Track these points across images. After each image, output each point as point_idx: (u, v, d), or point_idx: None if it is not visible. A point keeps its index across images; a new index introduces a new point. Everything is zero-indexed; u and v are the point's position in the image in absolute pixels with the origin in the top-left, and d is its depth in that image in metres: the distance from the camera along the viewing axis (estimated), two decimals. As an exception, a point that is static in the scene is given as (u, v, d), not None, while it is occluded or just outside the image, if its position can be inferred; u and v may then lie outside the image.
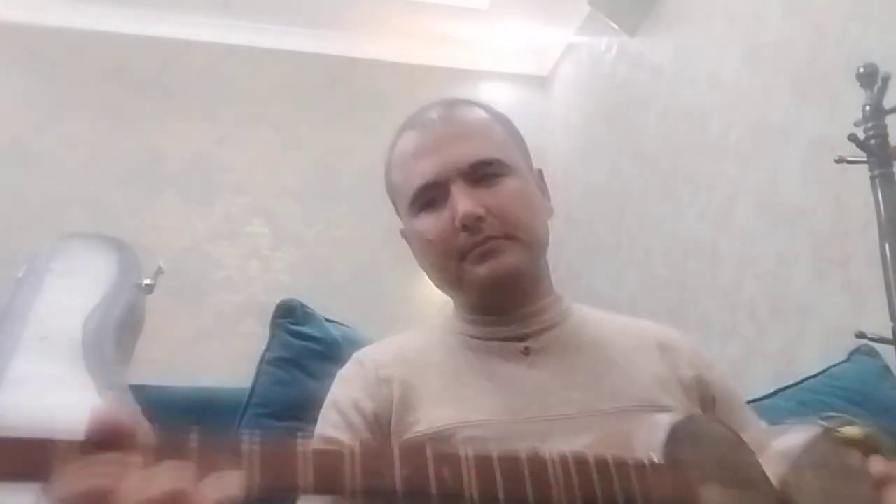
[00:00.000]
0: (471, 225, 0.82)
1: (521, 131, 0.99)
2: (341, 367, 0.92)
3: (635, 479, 0.58)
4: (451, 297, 0.94)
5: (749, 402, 1.25)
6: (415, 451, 0.51)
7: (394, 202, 0.98)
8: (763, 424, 0.93)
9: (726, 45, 2.40)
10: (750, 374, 2.06)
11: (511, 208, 0.85)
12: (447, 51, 3.96)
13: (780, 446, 0.71)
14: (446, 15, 3.70)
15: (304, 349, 1.16)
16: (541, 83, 4.11)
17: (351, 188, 3.77)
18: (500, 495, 0.52)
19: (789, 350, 1.93)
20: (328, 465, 0.48)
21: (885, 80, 1.29)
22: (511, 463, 0.54)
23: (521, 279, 0.86)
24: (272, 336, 1.19)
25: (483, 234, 0.83)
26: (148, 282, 2.59)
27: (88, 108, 3.59)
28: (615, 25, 3.15)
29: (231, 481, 0.44)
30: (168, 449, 0.45)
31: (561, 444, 0.59)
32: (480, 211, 0.82)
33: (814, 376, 1.35)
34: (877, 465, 0.67)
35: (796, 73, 2.01)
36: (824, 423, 0.72)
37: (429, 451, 0.52)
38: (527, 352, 0.86)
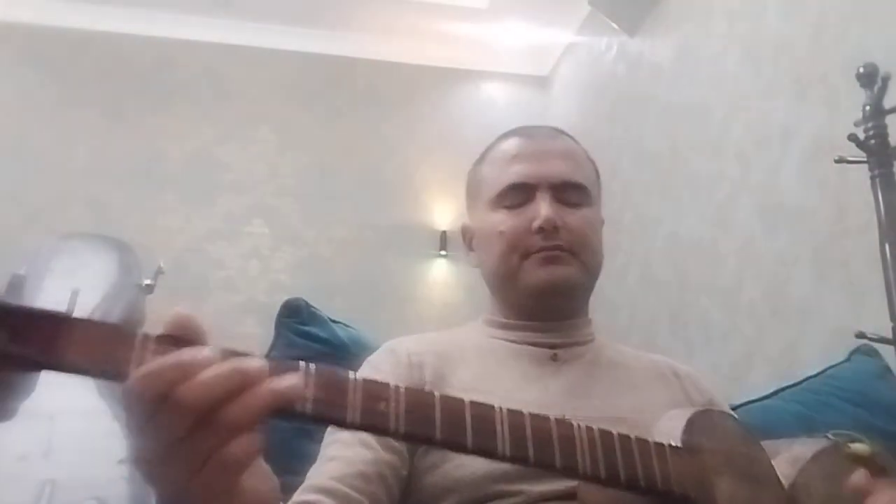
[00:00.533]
0: (548, 229, 0.89)
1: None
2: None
3: (655, 458, 0.61)
4: (498, 294, 0.97)
5: (749, 403, 1.25)
6: (454, 404, 0.54)
7: (472, 194, 1.02)
8: None
9: (726, 45, 2.40)
10: (750, 374, 2.06)
11: (584, 231, 0.92)
12: (447, 51, 3.96)
13: (791, 454, 0.73)
14: (446, 15, 3.70)
15: (309, 350, 1.15)
16: (541, 83, 4.11)
17: (351, 188, 3.77)
18: (531, 457, 0.55)
19: (789, 350, 1.93)
20: (375, 392, 0.51)
21: (885, 80, 1.28)
22: (541, 424, 0.56)
23: (571, 293, 0.93)
24: (277, 335, 1.18)
25: (554, 243, 0.89)
26: (148, 282, 2.59)
27: (88, 108, 3.60)
28: (615, 25, 3.15)
29: (291, 380, 0.48)
30: (236, 354, 0.49)
31: None
32: (560, 221, 0.89)
33: (814, 376, 1.35)
34: (859, 478, 0.67)
35: (796, 73, 2.01)
36: (833, 438, 0.74)
37: (466, 406, 0.54)
38: (555, 358, 0.91)
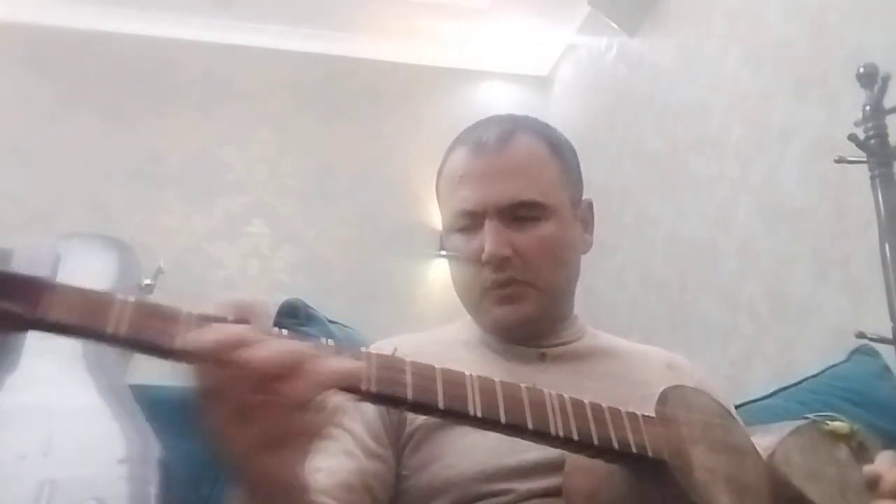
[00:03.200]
0: (495, 264, 0.85)
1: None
2: None
3: (628, 425, 0.61)
4: (470, 315, 0.96)
5: (749, 403, 1.25)
6: (425, 369, 0.55)
7: (438, 204, 0.99)
8: None
9: (726, 45, 2.40)
10: (750, 374, 2.06)
11: (538, 254, 0.87)
12: (447, 51, 3.96)
13: (769, 430, 0.74)
14: (446, 15, 3.70)
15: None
16: (541, 83, 4.11)
17: (351, 188, 3.77)
18: (502, 418, 0.55)
19: (789, 350, 1.93)
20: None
21: (885, 80, 1.28)
22: (511, 390, 0.58)
23: (536, 324, 0.90)
24: (275, 336, 1.18)
25: (506, 275, 0.86)
26: (148, 282, 2.58)
27: (88, 108, 3.59)
28: (615, 25, 3.15)
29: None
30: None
31: None
32: (507, 252, 0.85)
33: (814, 376, 1.35)
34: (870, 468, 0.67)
35: (796, 73, 2.01)
36: (812, 417, 0.75)
37: (438, 371, 0.55)
38: (543, 357, 0.90)
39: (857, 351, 1.39)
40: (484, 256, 0.85)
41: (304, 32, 3.84)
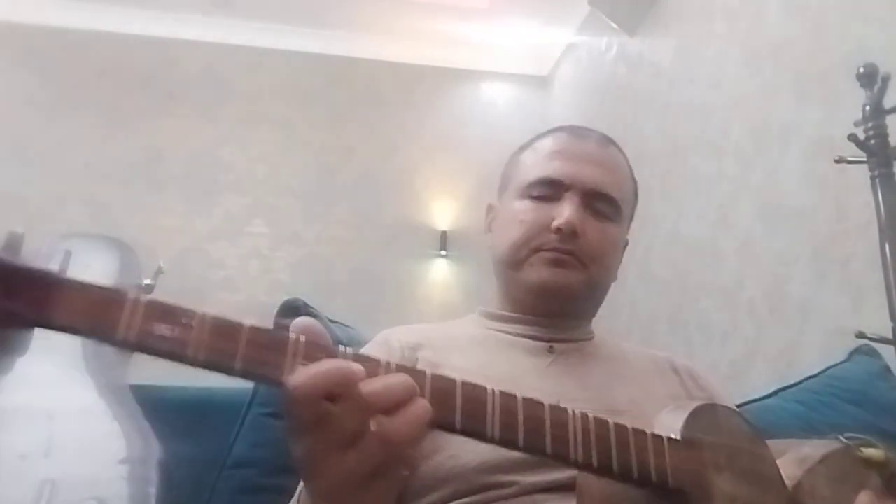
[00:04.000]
0: (566, 232, 0.87)
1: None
2: None
3: (651, 449, 0.60)
4: (500, 282, 0.97)
5: (749, 402, 1.25)
6: (446, 385, 0.53)
7: (505, 177, 1.01)
8: None
9: (726, 45, 2.40)
10: (750, 374, 2.06)
11: (602, 246, 0.90)
12: (447, 51, 3.96)
13: (799, 454, 0.71)
14: (446, 15, 3.70)
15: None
16: (541, 83, 4.11)
17: (351, 188, 3.77)
18: (520, 441, 0.54)
19: (789, 350, 1.93)
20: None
21: (885, 80, 1.28)
22: (533, 410, 0.56)
23: (570, 298, 0.91)
24: (275, 336, 1.17)
25: (568, 247, 0.88)
26: (148, 282, 2.58)
27: (88, 108, 3.60)
28: (615, 25, 3.15)
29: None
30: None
31: None
32: (581, 228, 0.88)
33: (814, 376, 1.35)
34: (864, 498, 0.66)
35: (796, 73, 2.01)
36: (846, 441, 0.72)
37: (458, 388, 0.53)
38: (552, 350, 0.90)
39: (857, 351, 1.39)
40: (559, 222, 0.87)
41: (304, 32, 3.84)
